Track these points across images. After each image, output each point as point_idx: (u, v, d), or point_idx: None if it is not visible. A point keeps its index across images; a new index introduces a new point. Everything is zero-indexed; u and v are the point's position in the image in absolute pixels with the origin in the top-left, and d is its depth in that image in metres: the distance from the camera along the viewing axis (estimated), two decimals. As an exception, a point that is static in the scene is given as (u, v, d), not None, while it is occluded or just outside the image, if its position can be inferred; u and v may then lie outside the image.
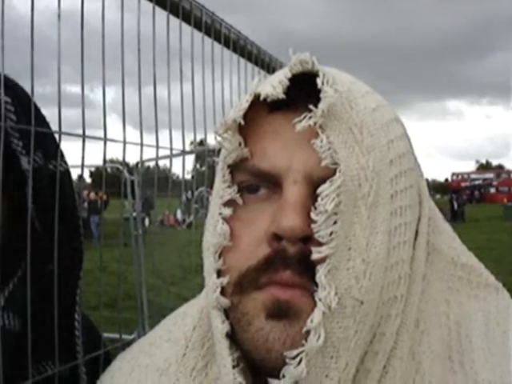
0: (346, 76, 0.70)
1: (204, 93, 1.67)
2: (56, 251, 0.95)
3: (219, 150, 0.68)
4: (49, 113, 1.00)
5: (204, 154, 1.80)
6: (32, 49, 0.96)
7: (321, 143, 0.60)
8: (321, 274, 0.58)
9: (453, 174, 75.11)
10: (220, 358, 0.66)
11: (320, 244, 0.59)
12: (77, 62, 1.09)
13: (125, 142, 1.22)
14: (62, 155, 1.00)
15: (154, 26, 1.35)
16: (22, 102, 0.94)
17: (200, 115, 1.64)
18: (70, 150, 1.08)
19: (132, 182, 3.52)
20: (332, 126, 0.61)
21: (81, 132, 1.07)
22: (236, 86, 1.87)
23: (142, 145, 1.28)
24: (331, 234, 0.58)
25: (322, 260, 0.58)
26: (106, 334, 1.26)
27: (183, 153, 1.56)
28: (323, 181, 0.60)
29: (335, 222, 0.59)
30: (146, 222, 9.19)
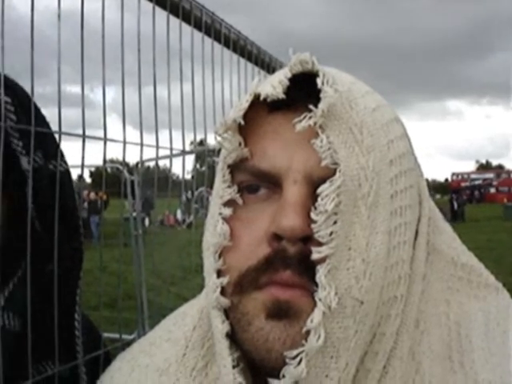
0: (346, 76, 0.70)
1: (204, 93, 1.67)
2: (56, 251, 0.95)
3: (219, 150, 0.68)
4: (49, 113, 1.00)
5: (204, 154, 1.80)
6: (32, 49, 0.96)
7: (321, 143, 0.60)
8: (321, 273, 0.58)
9: (453, 174, 75.13)
10: (220, 358, 0.66)
11: (320, 244, 0.59)
12: (77, 61, 1.09)
13: (125, 142, 1.22)
14: (62, 155, 1.00)
15: (153, 26, 1.35)
16: (22, 102, 0.94)
17: (200, 115, 1.64)
18: (70, 149, 1.08)
19: (132, 182, 3.53)
20: (332, 126, 0.61)
21: (81, 132, 1.07)
22: (236, 85, 1.88)
23: (141, 145, 1.28)
24: (331, 233, 0.58)
25: (322, 260, 0.58)
26: (105, 334, 1.26)
27: (183, 153, 1.56)
28: (323, 181, 0.60)
29: (335, 222, 0.59)
30: (146, 222, 9.19)
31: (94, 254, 1.38)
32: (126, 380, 0.83)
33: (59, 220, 0.95)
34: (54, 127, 1.01)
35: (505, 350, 0.65)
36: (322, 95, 0.60)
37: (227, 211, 0.65)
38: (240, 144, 0.64)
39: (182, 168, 1.67)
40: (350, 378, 0.61)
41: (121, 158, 1.30)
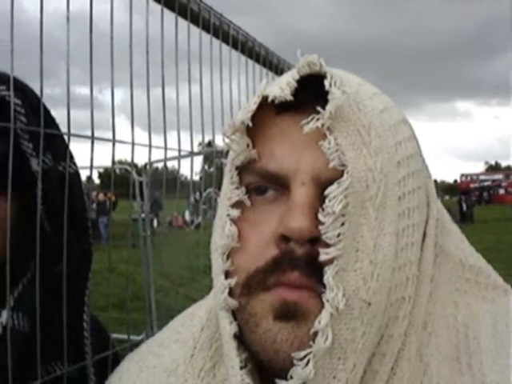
0: (354, 78, 0.70)
1: (212, 94, 1.67)
2: (65, 252, 0.95)
3: (227, 152, 0.68)
4: (58, 114, 1.01)
5: (212, 156, 1.80)
6: (41, 51, 0.97)
7: (328, 145, 0.60)
8: (328, 275, 0.58)
9: (462, 175, 74.83)
10: (228, 359, 0.66)
11: (328, 245, 0.59)
12: (85, 63, 1.09)
13: (133, 144, 1.22)
14: (71, 156, 1.01)
15: (162, 28, 1.35)
16: (32, 103, 0.94)
17: (208, 116, 1.64)
18: (79, 151, 1.08)
19: (140, 183, 3.54)
20: (340, 128, 0.61)
21: (89, 133, 1.07)
22: (244, 87, 1.87)
23: (150, 146, 1.28)
24: (339, 235, 0.59)
25: (330, 261, 0.58)
26: (114, 335, 1.27)
27: (191, 154, 1.56)
28: (331, 182, 0.60)
29: (343, 224, 0.59)
30: (155, 223, 9.21)
31: (102, 255, 1.38)
32: (134, 381, 0.83)
33: (68, 221, 0.95)
34: (63, 129, 1.02)
35: (513, 352, 0.65)
36: (329, 97, 0.60)
37: (235, 213, 0.65)
38: (248, 146, 0.65)
39: (191, 169, 1.67)
40: (357, 380, 0.61)
41: (129, 159, 1.30)
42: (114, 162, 1.27)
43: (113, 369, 0.91)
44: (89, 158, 1.11)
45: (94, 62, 1.09)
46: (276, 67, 2.19)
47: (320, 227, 0.59)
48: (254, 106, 0.63)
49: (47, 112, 0.98)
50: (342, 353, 0.59)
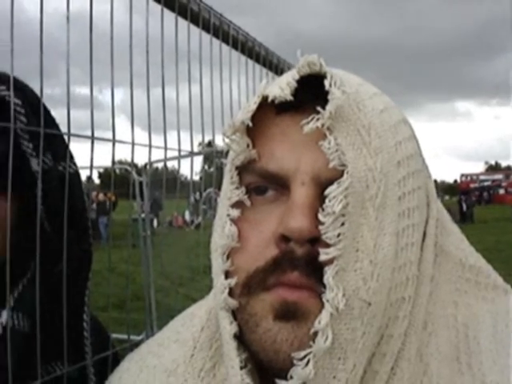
0: (354, 78, 0.70)
1: (212, 94, 1.67)
2: (65, 252, 0.95)
3: (227, 152, 0.68)
4: (57, 114, 1.01)
5: (212, 156, 1.80)
6: (41, 51, 0.97)
7: (328, 145, 0.60)
8: (328, 275, 0.58)
9: (462, 175, 74.84)
10: (228, 359, 0.66)
11: (328, 245, 0.59)
12: (85, 63, 1.09)
13: (133, 144, 1.22)
14: (71, 156, 1.01)
15: (162, 28, 1.35)
16: (32, 104, 0.94)
17: (208, 116, 1.64)
18: (79, 151, 1.08)
19: (140, 183, 3.54)
20: (340, 128, 0.61)
21: (89, 133, 1.07)
22: (244, 87, 1.87)
23: (150, 146, 1.29)
24: (339, 235, 0.59)
25: (330, 261, 0.59)
26: (114, 335, 1.27)
27: (191, 154, 1.56)
28: (331, 182, 0.60)
29: (343, 224, 0.59)
30: (155, 223, 9.21)
31: (102, 255, 1.38)
32: (134, 381, 0.83)
33: (68, 221, 0.95)
34: (63, 129, 1.02)
35: (513, 352, 0.65)
36: (329, 97, 0.60)
37: (235, 213, 0.65)
38: (248, 146, 0.65)
39: (191, 169, 1.67)
40: (357, 380, 0.61)
41: (129, 159, 1.30)
42: (113, 162, 1.28)
43: (113, 369, 0.91)
44: (89, 158, 1.11)
45: (94, 62, 1.09)
46: (276, 67, 2.19)
47: (320, 227, 0.59)
48: (253, 106, 0.63)
49: (47, 112, 0.98)
50: (342, 353, 0.59)
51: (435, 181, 0.77)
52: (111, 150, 1.17)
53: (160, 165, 1.93)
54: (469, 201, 32.74)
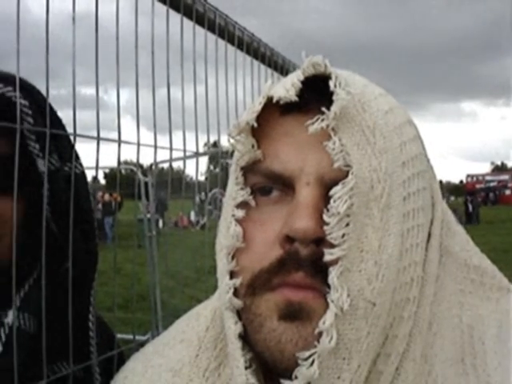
0: (359, 78, 0.70)
1: (217, 95, 1.67)
2: (71, 253, 0.95)
3: (232, 152, 0.68)
4: (63, 115, 1.01)
5: (217, 156, 1.80)
6: (47, 51, 0.97)
7: (333, 145, 0.60)
8: (333, 275, 0.58)
9: (467, 176, 74.68)
10: (233, 359, 0.66)
11: (332, 246, 0.59)
12: (91, 64, 1.09)
13: (139, 144, 1.22)
14: (77, 157, 1.01)
15: (167, 29, 1.35)
16: (38, 104, 0.95)
17: (213, 117, 1.64)
18: (85, 151, 1.09)
19: (146, 184, 3.54)
20: (344, 129, 0.61)
21: (95, 134, 1.08)
22: (249, 87, 1.88)
23: (155, 146, 1.29)
24: (343, 235, 0.59)
25: (335, 262, 0.59)
26: (119, 335, 1.27)
27: (197, 154, 1.57)
28: (336, 183, 0.60)
29: (347, 224, 0.59)
30: (160, 223, 9.21)
31: (108, 255, 1.39)
32: (139, 380, 0.83)
33: (74, 222, 0.96)
34: (69, 129, 1.02)
35: (518, 353, 0.65)
36: (334, 97, 0.60)
37: (240, 213, 0.66)
38: (253, 146, 0.65)
39: (196, 170, 1.67)
40: (362, 380, 0.61)
41: (135, 160, 1.30)
42: (119, 163, 1.28)
43: (118, 369, 0.92)
44: (94, 159, 1.11)
45: (100, 63, 1.09)
46: (281, 68, 2.20)
47: (325, 228, 0.59)
48: (258, 107, 0.63)
49: (53, 113, 0.98)
50: (346, 353, 0.59)
51: (441, 181, 0.77)
52: (117, 150, 1.17)
53: (165, 165, 1.93)
54: (475, 201, 32.64)
